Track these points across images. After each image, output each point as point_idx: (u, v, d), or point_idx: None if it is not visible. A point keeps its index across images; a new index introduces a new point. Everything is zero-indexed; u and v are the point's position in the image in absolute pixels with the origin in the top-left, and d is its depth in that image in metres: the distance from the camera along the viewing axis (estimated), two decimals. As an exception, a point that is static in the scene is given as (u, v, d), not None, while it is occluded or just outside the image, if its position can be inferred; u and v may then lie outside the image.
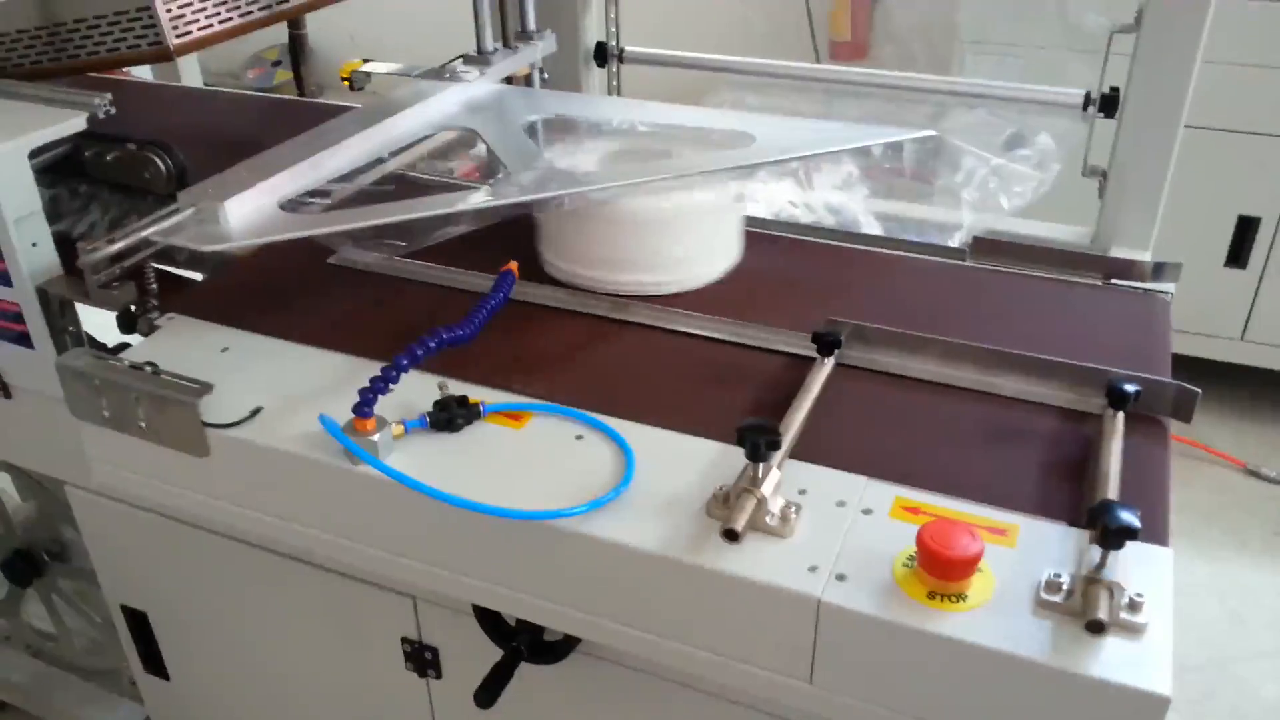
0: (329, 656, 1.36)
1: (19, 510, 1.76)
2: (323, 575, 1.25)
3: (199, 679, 1.55)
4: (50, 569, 1.76)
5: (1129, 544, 0.82)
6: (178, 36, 1.28)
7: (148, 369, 1.11)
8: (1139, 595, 0.82)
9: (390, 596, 1.22)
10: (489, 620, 1.13)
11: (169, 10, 1.26)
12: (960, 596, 0.84)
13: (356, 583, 1.24)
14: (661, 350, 1.20)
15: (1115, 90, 1.45)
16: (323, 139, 1.30)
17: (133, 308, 1.23)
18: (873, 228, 1.47)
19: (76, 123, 1.27)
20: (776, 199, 1.47)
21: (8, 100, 1.32)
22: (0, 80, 1.36)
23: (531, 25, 1.63)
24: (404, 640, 1.26)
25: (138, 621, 1.51)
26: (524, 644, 1.12)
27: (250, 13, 1.38)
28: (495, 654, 1.14)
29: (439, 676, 1.27)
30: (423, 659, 1.26)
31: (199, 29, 1.30)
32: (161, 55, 1.28)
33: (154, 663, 1.56)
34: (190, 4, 1.29)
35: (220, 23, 1.33)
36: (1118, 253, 1.42)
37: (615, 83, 1.86)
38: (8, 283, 1.26)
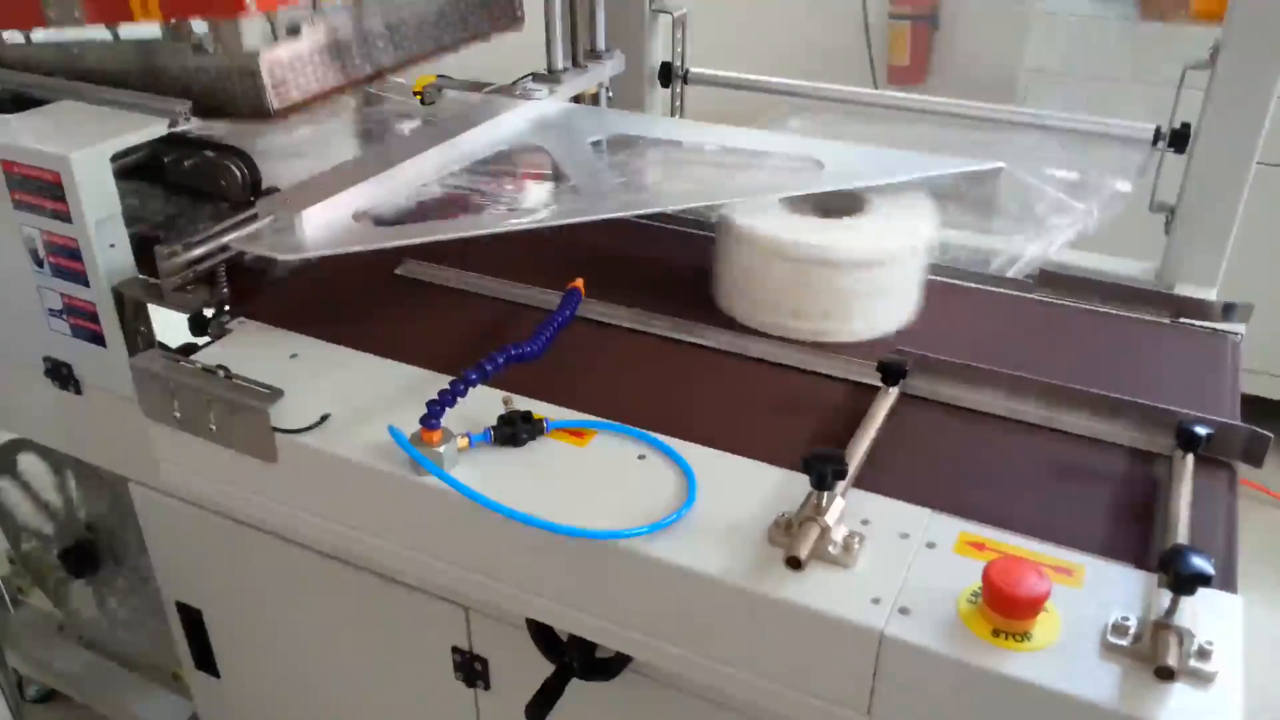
0: (379, 662, 1.37)
1: (79, 503, 1.79)
2: (377, 582, 1.27)
3: (249, 678, 1.57)
4: (107, 562, 1.79)
5: (1199, 590, 0.81)
6: (278, 99, 1.29)
7: (220, 373, 1.13)
8: (1209, 643, 0.81)
9: (444, 606, 1.23)
10: (541, 634, 1.14)
11: (273, 75, 1.28)
12: (1025, 636, 0.83)
13: (411, 591, 1.25)
14: (725, 373, 1.20)
15: (1186, 126, 1.43)
16: (396, 152, 1.33)
17: (205, 311, 1.26)
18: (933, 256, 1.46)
19: (157, 128, 1.30)
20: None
21: (90, 105, 1.36)
22: (83, 85, 1.39)
23: (601, 45, 1.65)
24: (454, 650, 1.27)
25: (192, 619, 1.54)
26: (576, 660, 1.13)
27: (351, 73, 1.39)
28: (544, 667, 1.14)
29: (487, 688, 1.28)
30: (472, 669, 1.27)
31: (299, 91, 1.32)
32: (259, 114, 1.30)
33: (205, 660, 1.58)
34: (294, 69, 1.31)
35: (318, 82, 1.34)
36: (1183, 289, 1.40)
37: (679, 103, 1.87)
38: (85, 283, 1.29)
